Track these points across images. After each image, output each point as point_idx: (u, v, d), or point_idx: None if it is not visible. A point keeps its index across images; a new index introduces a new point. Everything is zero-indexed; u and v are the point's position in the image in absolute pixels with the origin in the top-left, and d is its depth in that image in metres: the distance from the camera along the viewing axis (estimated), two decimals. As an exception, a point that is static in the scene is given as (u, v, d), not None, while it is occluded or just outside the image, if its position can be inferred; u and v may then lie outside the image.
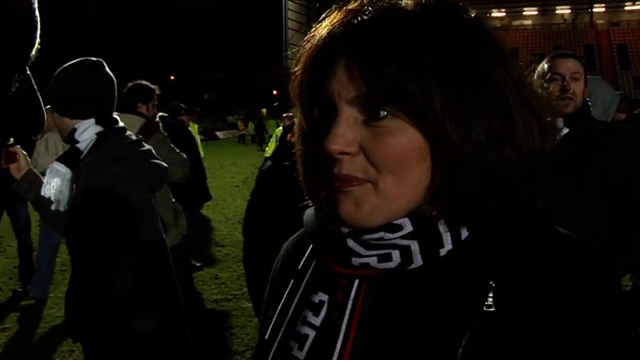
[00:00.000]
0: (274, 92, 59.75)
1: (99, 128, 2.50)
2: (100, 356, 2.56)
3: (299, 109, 0.80)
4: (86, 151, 2.49)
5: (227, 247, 8.68)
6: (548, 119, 0.76)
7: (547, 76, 2.85)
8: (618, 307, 0.70)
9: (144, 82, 4.83)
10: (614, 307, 0.69)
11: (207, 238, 9.32)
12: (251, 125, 41.40)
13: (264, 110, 48.48)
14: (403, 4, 0.74)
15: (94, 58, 2.54)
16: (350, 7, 0.75)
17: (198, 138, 11.37)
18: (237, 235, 9.51)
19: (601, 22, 63.41)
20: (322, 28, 0.76)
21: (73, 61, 2.52)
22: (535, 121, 0.73)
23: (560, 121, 2.71)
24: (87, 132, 2.48)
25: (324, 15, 0.78)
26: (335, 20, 0.75)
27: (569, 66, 2.85)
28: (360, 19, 0.72)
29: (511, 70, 0.73)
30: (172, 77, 77.09)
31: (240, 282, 6.81)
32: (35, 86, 0.72)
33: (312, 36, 0.77)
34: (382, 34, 0.70)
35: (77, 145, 2.48)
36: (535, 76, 2.82)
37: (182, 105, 7.42)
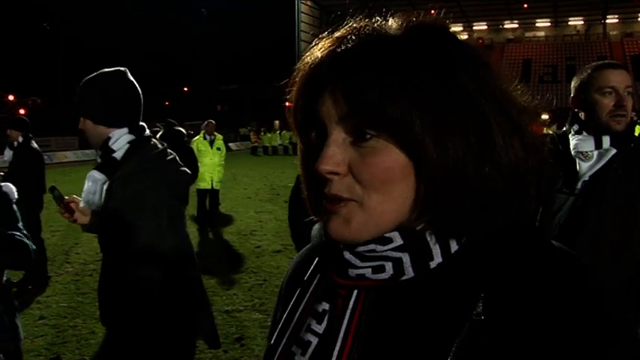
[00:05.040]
0: (287, 104, 59.93)
1: (131, 137, 2.63)
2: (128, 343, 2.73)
3: (297, 135, 0.86)
4: (121, 159, 2.61)
5: (238, 259, 8.70)
6: (534, 132, 0.79)
7: (597, 89, 2.55)
8: (607, 320, 0.71)
9: None
10: (602, 318, 0.71)
11: (219, 250, 9.35)
12: (285, 135, 41.46)
13: (277, 122, 48.56)
14: (387, 28, 0.78)
15: (121, 68, 2.66)
16: (337, 34, 0.80)
17: (223, 148, 11.56)
18: (248, 246, 9.55)
19: (614, 33, 63.19)
20: (312, 56, 0.80)
21: (102, 71, 2.62)
22: (517, 137, 0.76)
23: (606, 140, 2.56)
24: (120, 140, 2.60)
25: (314, 42, 0.83)
26: (323, 48, 0.79)
27: (623, 78, 2.56)
28: (344, 47, 0.77)
29: (493, 87, 0.76)
30: (186, 89, 77.51)
31: (251, 293, 6.83)
32: None
33: (305, 63, 0.81)
34: (363, 61, 0.74)
35: (114, 155, 2.60)
36: (574, 86, 2.69)
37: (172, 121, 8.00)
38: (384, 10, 0.83)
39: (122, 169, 2.58)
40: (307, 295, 0.88)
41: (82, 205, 2.60)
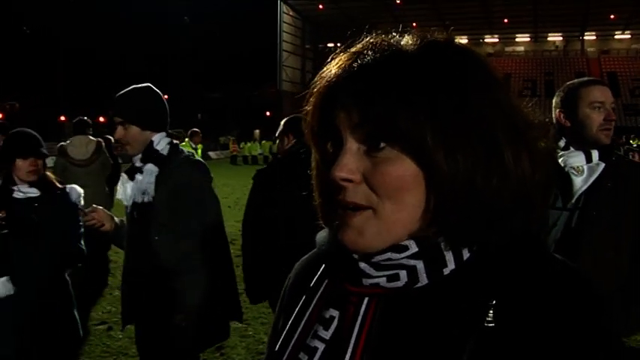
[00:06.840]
0: (267, 113, 60.00)
1: (169, 139, 3.08)
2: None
3: (313, 145, 0.88)
4: (167, 156, 3.03)
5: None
6: (542, 148, 0.80)
7: (588, 104, 2.67)
8: (609, 332, 0.74)
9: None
10: (604, 330, 0.73)
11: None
12: (265, 144, 41.27)
13: (257, 131, 48.46)
14: (402, 45, 0.81)
15: (149, 84, 3.16)
16: (354, 49, 0.83)
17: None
18: (228, 255, 9.47)
19: (592, 49, 64.37)
20: (329, 70, 0.83)
21: (136, 86, 3.09)
22: (526, 152, 0.78)
23: (595, 155, 2.66)
24: (162, 142, 3.03)
25: (331, 57, 0.85)
26: (340, 62, 0.82)
27: (609, 94, 2.72)
28: (359, 61, 0.79)
29: (502, 101, 0.79)
30: (166, 96, 76.93)
31: (230, 302, 6.78)
32: None
33: (321, 76, 0.84)
34: (376, 74, 0.77)
35: (161, 152, 3.01)
36: (560, 101, 2.77)
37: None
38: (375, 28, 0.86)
39: (171, 163, 3.00)
40: (314, 302, 0.88)
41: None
